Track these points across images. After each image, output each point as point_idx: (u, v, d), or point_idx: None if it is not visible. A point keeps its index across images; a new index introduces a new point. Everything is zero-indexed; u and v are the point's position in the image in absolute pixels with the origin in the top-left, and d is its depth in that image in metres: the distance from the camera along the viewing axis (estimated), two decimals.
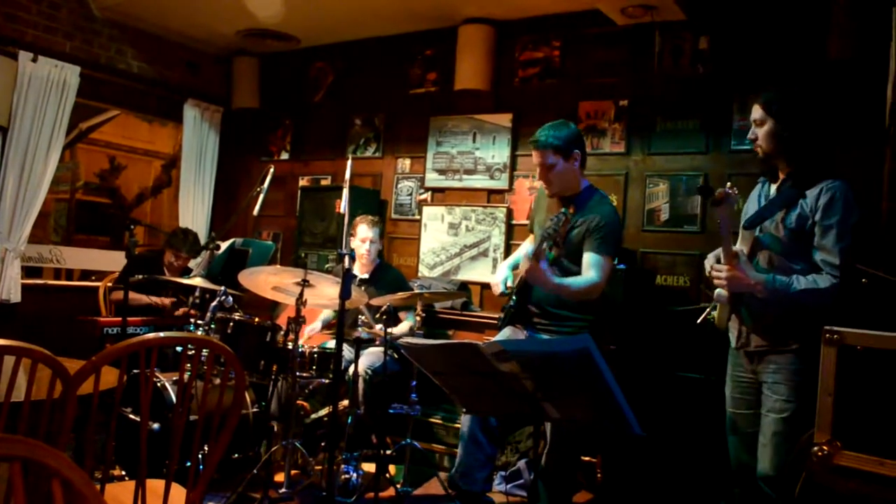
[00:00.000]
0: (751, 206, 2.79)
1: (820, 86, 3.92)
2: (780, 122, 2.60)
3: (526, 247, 3.63)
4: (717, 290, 2.64)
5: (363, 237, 4.56)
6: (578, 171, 3.28)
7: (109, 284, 4.99)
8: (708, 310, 2.80)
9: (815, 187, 2.53)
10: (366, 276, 4.61)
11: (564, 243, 3.15)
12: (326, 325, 4.74)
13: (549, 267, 3.02)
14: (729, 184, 2.60)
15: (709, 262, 2.75)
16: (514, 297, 3.29)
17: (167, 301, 4.73)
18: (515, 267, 3.49)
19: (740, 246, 2.66)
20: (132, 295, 4.50)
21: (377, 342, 4.22)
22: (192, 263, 5.21)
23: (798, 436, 2.39)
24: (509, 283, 3.37)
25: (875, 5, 3.57)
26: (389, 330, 3.90)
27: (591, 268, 3.10)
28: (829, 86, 3.91)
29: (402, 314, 4.57)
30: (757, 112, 2.66)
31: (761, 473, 2.55)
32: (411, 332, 4.39)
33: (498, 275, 3.41)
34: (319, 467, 3.91)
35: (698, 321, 2.81)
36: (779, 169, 2.69)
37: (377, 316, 3.96)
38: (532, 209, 3.77)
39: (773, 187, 2.72)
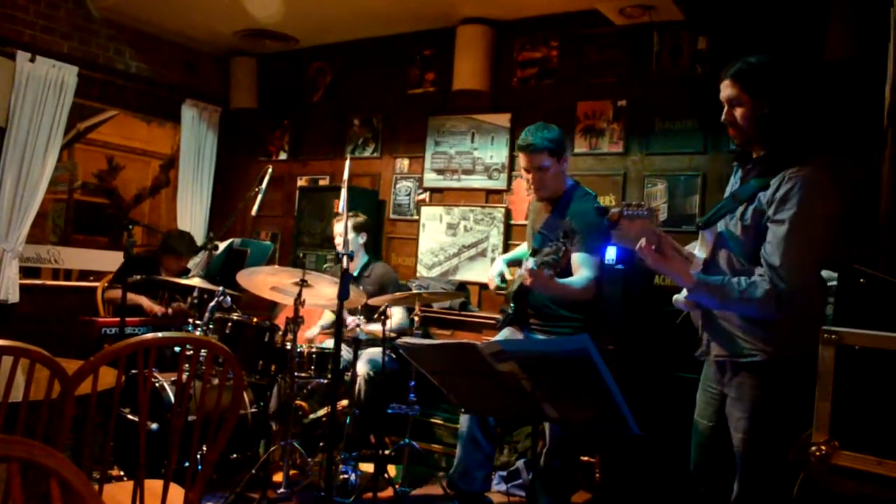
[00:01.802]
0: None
1: (818, 86, 3.92)
2: (760, 98, 2.25)
3: (525, 247, 3.64)
4: (675, 297, 2.46)
5: (337, 232, 4.57)
6: (565, 173, 3.29)
7: (106, 284, 4.98)
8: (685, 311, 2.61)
9: (778, 176, 2.20)
10: (353, 273, 4.59)
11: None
12: (326, 328, 4.72)
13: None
14: (627, 203, 2.28)
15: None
16: (511, 304, 3.29)
17: (158, 309, 4.70)
18: (514, 263, 3.49)
19: (699, 249, 2.39)
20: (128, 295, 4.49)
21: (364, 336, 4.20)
22: (190, 264, 5.21)
23: (765, 456, 2.25)
24: (507, 276, 3.37)
25: (873, 5, 3.57)
26: (388, 319, 3.89)
27: (582, 266, 3.10)
28: (827, 86, 3.92)
29: (389, 311, 4.56)
30: (730, 90, 2.30)
31: (734, 495, 2.36)
32: (402, 323, 4.39)
33: (493, 269, 3.41)
34: (318, 467, 3.92)
35: (678, 321, 2.64)
36: (753, 153, 2.38)
37: (374, 317, 3.96)
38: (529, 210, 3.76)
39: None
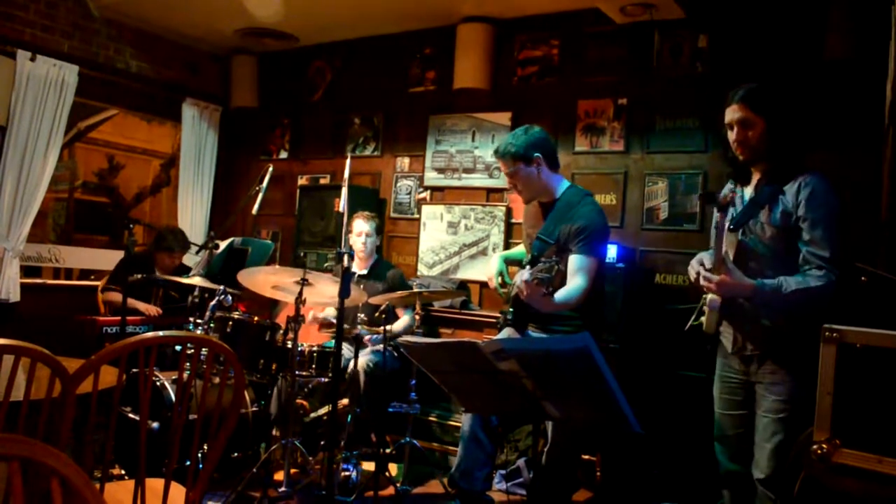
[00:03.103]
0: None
1: (818, 85, 3.92)
2: (770, 118, 2.51)
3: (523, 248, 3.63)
4: (710, 297, 2.56)
5: (359, 231, 4.58)
6: (547, 174, 3.22)
7: (103, 285, 4.98)
8: (693, 316, 2.68)
9: (792, 182, 2.49)
10: (364, 272, 4.62)
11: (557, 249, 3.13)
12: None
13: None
14: (729, 186, 2.57)
15: (693, 268, 2.63)
16: (511, 309, 3.28)
17: (153, 310, 4.71)
18: (513, 262, 3.49)
19: (725, 249, 2.56)
20: (120, 297, 4.51)
21: (370, 338, 4.21)
22: (192, 263, 5.20)
23: (795, 437, 2.37)
24: (507, 283, 3.36)
25: (874, 4, 3.57)
26: (388, 327, 3.89)
27: (576, 273, 3.05)
28: (827, 85, 3.91)
29: (399, 311, 4.57)
30: (740, 113, 2.54)
31: (760, 476, 2.51)
32: (410, 329, 4.39)
33: (491, 267, 3.40)
34: (319, 466, 3.92)
35: (686, 328, 2.70)
36: (752, 169, 2.63)
37: (376, 315, 3.96)
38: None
39: (747, 189, 2.65)
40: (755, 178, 2.62)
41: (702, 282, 2.51)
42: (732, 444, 2.67)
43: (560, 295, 3.01)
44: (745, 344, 2.59)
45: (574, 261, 3.08)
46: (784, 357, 2.50)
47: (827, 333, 1.91)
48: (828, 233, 2.43)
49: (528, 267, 2.80)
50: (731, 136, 2.59)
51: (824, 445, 1.87)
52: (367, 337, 4.08)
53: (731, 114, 2.56)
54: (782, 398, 2.48)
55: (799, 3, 4.09)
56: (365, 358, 4.13)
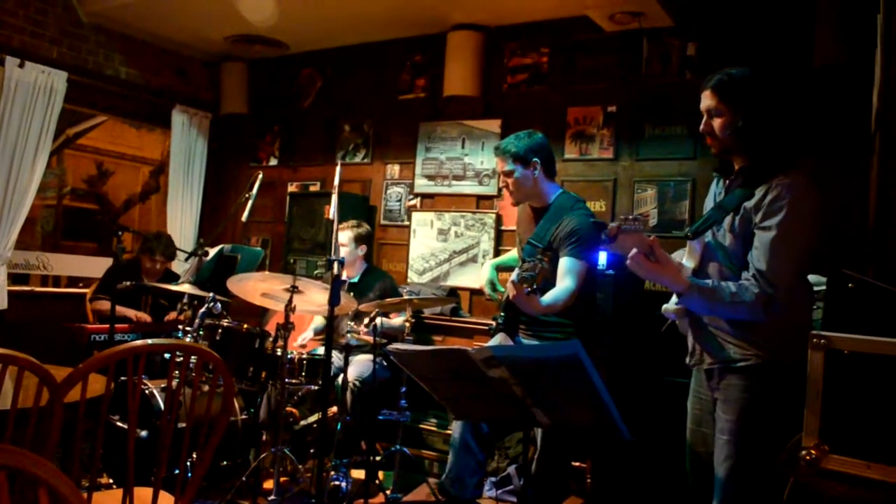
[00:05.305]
0: (708, 207, 2.53)
1: (807, 92, 3.95)
2: (738, 110, 2.27)
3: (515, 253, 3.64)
4: (664, 306, 2.45)
5: (340, 242, 4.55)
6: (541, 180, 3.26)
7: (91, 294, 4.95)
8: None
9: (765, 184, 2.22)
10: (354, 279, 4.61)
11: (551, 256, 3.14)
12: (318, 333, 4.72)
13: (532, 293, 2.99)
14: (624, 216, 2.34)
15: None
16: (502, 314, 3.28)
17: (144, 316, 4.68)
18: (504, 269, 3.49)
19: (687, 259, 2.40)
20: (109, 306, 4.48)
21: (355, 342, 4.19)
22: (181, 270, 5.18)
23: (749, 465, 2.24)
24: (499, 290, 3.37)
25: (861, 11, 3.60)
26: (384, 319, 3.87)
27: (565, 275, 3.09)
28: (815, 92, 3.94)
29: (392, 315, 4.56)
30: (709, 101, 2.32)
31: (717, 500, 2.34)
32: (402, 330, 4.38)
33: (483, 275, 3.42)
34: (309, 474, 3.90)
35: (662, 329, 2.60)
36: (734, 164, 2.39)
37: (367, 322, 3.95)
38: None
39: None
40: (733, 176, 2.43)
41: (628, 263, 2.27)
42: (698, 460, 2.52)
43: (547, 297, 3.03)
44: (701, 356, 2.41)
45: (563, 263, 3.10)
46: (737, 375, 2.28)
47: (815, 340, 1.91)
48: (775, 244, 2.16)
49: (517, 270, 2.82)
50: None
51: (813, 451, 1.87)
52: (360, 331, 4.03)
53: (702, 100, 2.36)
54: (733, 419, 2.27)
55: (787, 11, 4.13)
56: (354, 372, 4.11)
